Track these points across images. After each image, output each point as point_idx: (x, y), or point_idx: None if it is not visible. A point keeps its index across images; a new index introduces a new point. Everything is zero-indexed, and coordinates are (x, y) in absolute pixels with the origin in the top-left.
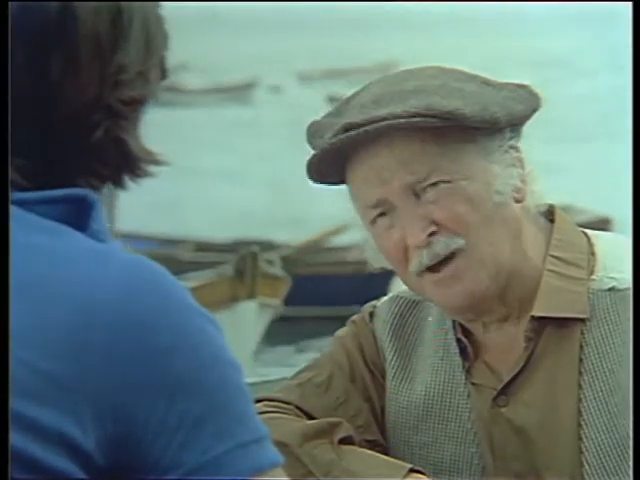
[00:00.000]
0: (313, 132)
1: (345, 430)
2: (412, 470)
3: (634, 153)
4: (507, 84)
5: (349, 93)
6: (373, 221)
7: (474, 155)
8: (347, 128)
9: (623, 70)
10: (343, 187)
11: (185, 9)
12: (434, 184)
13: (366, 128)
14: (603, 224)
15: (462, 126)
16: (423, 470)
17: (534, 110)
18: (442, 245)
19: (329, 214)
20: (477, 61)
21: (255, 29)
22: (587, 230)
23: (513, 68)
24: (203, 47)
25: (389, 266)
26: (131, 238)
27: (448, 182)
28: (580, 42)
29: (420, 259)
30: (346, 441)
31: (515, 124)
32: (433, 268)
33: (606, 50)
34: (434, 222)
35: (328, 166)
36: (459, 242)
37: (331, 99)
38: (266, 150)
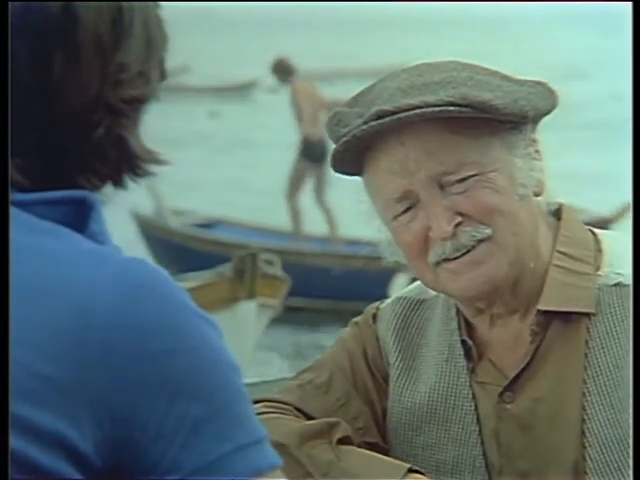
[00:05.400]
0: (337, 121)
1: (343, 430)
2: (411, 470)
3: (634, 153)
4: (526, 80)
5: (349, 94)
6: (396, 216)
7: (499, 148)
8: (380, 115)
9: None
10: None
11: (185, 9)
12: (463, 179)
13: (399, 115)
14: (603, 224)
15: (489, 119)
16: (424, 471)
17: (553, 107)
18: (467, 236)
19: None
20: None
21: (255, 29)
22: (594, 229)
23: (516, 71)
24: (203, 47)
25: (403, 260)
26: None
27: (476, 175)
28: (579, 42)
29: (444, 249)
30: (345, 441)
31: (537, 119)
32: (453, 257)
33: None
34: (459, 213)
35: (352, 155)
36: (486, 232)
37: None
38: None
